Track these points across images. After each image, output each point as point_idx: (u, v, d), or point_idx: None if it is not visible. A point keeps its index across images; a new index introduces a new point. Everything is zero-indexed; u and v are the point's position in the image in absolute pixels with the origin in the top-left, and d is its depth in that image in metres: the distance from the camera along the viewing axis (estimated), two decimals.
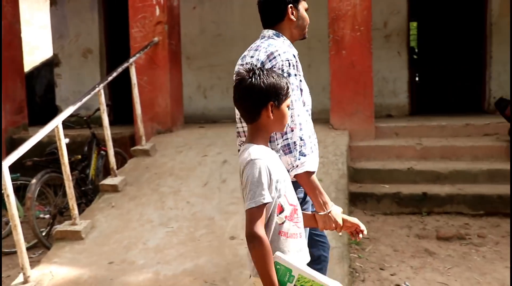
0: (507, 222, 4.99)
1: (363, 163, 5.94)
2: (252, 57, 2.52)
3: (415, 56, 10.75)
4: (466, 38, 9.79)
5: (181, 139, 6.45)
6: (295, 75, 2.44)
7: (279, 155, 2.30)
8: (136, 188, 5.26)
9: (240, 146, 2.60)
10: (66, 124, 5.20)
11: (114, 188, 5.20)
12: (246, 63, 2.52)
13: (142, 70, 6.64)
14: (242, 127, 2.61)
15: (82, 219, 4.65)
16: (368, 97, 6.26)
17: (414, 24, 12.14)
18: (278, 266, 1.97)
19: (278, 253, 1.99)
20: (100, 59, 9.03)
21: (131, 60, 5.99)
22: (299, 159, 2.34)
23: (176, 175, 5.43)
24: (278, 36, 2.59)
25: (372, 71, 6.29)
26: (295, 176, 2.35)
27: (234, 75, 2.20)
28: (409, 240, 4.72)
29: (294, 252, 2.07)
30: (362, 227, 2.39)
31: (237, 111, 2.51)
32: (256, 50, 2.53)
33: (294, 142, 2.35)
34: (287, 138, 2.34)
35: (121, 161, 6.21)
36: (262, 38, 2.61)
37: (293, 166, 2.34)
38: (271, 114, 2.08)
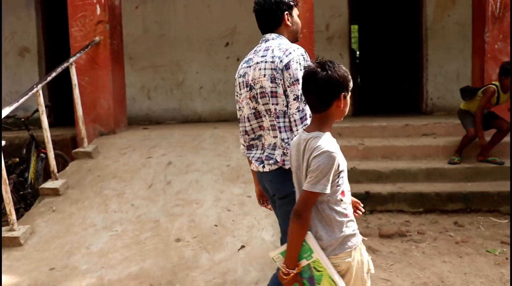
0: (444, 219, 5.20)
1: None
2: (263, 56, 2.68)
3: (357, 60, 11.03)
4: (404, 41, 10.14)
5: (125, 140, 6.34)
6: None
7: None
8: (79, 191, 5.12)
9: (249, 142, 2.83)
10: (3, 126, 5.00)
11: (55, 192, 5.05)
12: (257, 63, 2.68)
13: (83, 70, 6.48)
14: (251, 125, 2.79)
15: (21, 225, 4.48)
16: None
17: (355, 27, 12.47)
18: (304, 244, 2.21)
19: (310, 234, 2.20)
20: (39, 58, 8.71)
21: (71, 60, 5.83)
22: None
23: (120, 178, 5.33)
24: (281, 38, 2.78)
25: None
26: None
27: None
28: None
29: (356, 232, 2.28)
30: (361, 205, 2.61)
31: (245, 110, 2.77)
32: (266, 50, 2.70)
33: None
34: (307, 124, 2.53)
35: (63, 164, 6.02)
36: (266, 41, 2.78)
37: None
38: (341, 104, 2.24)
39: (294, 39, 2.86)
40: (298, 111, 2.58)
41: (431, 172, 5.71)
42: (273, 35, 2.79)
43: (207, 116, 8.63)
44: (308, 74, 2.25)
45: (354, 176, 5.68)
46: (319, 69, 2.21)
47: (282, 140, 2.62)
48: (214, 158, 5.64)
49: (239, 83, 2.81)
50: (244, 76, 2.78)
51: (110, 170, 5.50)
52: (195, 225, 4.42)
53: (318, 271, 2.21)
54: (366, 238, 4.80)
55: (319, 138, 2.20)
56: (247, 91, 2.75)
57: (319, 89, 2.21)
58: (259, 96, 2.68)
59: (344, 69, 2.25)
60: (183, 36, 8.63)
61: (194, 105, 8.71)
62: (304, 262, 2.23)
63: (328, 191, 2.14)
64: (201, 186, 5.06)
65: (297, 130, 2.55)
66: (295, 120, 2.58)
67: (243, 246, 4.08)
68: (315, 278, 2.23)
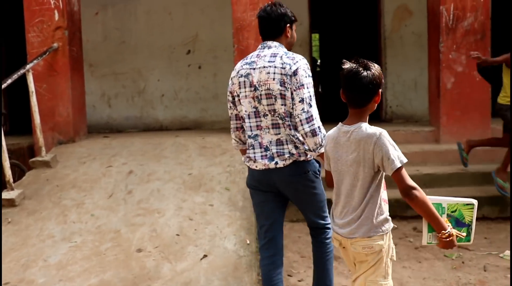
0: (404, 225, 5.30)
1: None
2: (271, 62, 3.02)
3: (318, 69, 11.17)
4: (364, 50, 10.34)
5: (84, 149, 6.22)
6: (310, 76, 3.04)
7: (305, 138, 2.96)
8: (36, 201, 4.99)
9: (246, 139, 3.15)
10: None
11: (10, 203, 4.90)
12: (264, 67, 3.01)
13: (41, 77, 6.34)
14: (249, 123, 3.10)
15: None
16: None
17: (316, 36, 12.63)
18: (434, 205, 2.43)
19: (432, 197, 2.45)
20: None
21: (28, 66, 5.70)
22: (323, 140, 2.92)
23: (79, 187, 5.22)
24: (282, 47, 3.13)
25: None
26: (320, 153, 2.97)
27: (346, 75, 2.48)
28: None
29: (389, 218, 2.49)
30: None
31: (246, 108, 3.07)
32: (274, 56, 3.04)
33: (318, 127, 2.97)
34: (313, 125, 2.94)
35: (19, 174, 5.87)
36: (269, 48, 3.11)
37: (320, 145, 2.95)
38: (379, 99, 2.50)
39: (288, 50, 3.17)
40: (303, 112, 2.94)
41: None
42: (275, 43, 3.12)
43: (169, 124, 8.57)
44: (352, 74, 2.43)
45: None
46: (361, 69, 2.43)
47: (293, 136, 3.02)
48: (175, 167, 5.59)
49: (239, 82, 3.09)
50: (247, 76, 3.07)
51: (69, 179, 5.39)
52: (156, 234, 4.37)
53: (453, 212, 2.50)
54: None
55: (365, 127, 2.44)
56: (251, 90, 3.05)
57: (364, 88, 2.43)
58: (263, 97, 3.02)
59: (378, 67, 2.51)
60: (145, 43, 8.55)
61: (155, 113, 8.64)
62: (444, 217, 2.47)
63: (404, 158, 2.39)
64: (163, 195, 5.01)
65: (303, 129, 2.94)
66: (300, 120, 2.94)
67: (205, 256, 4.06)
68: (458, 218, 2.51)
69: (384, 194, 2.50)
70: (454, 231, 2.43)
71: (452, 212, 2.50)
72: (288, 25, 3.15)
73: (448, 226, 2.41)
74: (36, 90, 5.80)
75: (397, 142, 2.36)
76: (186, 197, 4.97)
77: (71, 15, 6.58)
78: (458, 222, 2.50)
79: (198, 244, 4.23)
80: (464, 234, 2.49)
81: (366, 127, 2.44)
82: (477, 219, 5.35)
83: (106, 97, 8.63)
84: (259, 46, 3.15)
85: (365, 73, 2.41)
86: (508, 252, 4.52)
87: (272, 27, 3.13)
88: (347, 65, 2.47)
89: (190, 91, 8.61)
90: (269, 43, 3.13)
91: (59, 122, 6.46)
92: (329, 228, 3.24)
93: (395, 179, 2.38)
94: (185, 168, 5.57)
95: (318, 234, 3.29)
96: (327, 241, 3.27)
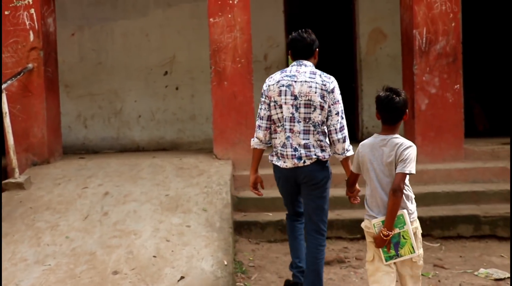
0: None
1: (247, 192, 6.03)
2: (312, 78, 3.72)
3: None
4: (340, 72, 10.47)
5: (60, 170, 6.14)
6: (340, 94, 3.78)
7: (336, 143, 3.75)
8: (8, 224, 4.88)
9: (291, 138, 3.73)
10: None
11: None
12: (306, 81, 3.70)
13: (15, 98, 6.26)
14: (299, 126, 3.71)
15: None
16: (250, 127, 6.41)
17: None
18: (400, 217, 3.14)
19: (405, 211, 3.17)
20: None
21: (2, 87, 5.63)
22: (349, 146, 3.79)
23: (54, 209, 5.14)
24: (313, 67, 3.83)
25: (254, 102, 6.48)
26: (345, 157, 3.80)
27: (381, 98, 3.28)
28: None
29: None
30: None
31: (284, 113, 3.73)
32: (313, 73, 3.75)
33: (347, 136, 3.76)
34: (343, 133, 3.74)
35: None
36: (306, 66, 3.80)
37: (347, 150, 3.77)
38: (406, 117, 3.29)
39: None
40: (338, 122, 3.70)
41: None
42: (309, 63, 3.83)
43: (146, 145, 8.52)
44: (387, 100, 3.23)
45: None
46: (394, 95, 3.21)
47: (321, 141, 3.73)
48: (152, 188, 5.55)
49: (280, 90, 3.73)
50: (289, 86, 3.72)
51: (43, 201, 5.30)
52: (133, 256, 4.31)
53: (405, 238, 3.14)
54: None
55: (398, 138, 3.23)
56: (292, 99, 3.70)
57: (397, 110, 3.23)
58: (302, 105, 3.69)
59: (405, 93, 3.31)
60: (121, 64, 8.54)
61: (132, 134, 8.59)
62: (396, 230, 3.14)
63: (414, 171, 3.13)
64: (139, 217, 4.96)
65: (336, 135, 3.71)
66: (335, 129, 3.71)
67: (182, 277, 4.02)
68: (400, 244, 3.15)
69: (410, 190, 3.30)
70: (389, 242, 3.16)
71: (403, 237, 3.16)
72: (317, 49, 3.87)
73: (392, 232, 3.12)
74: (10, 111, 5.73)
75: None
76: (163, 218, 4.92)
77: (47, 35, 6.55)
78: (396, 246, 3.17)
79: (175, 265, 4.18)
80: (392, 251, 3.18)
81: (401, 138, 3.23)
82: (451, 237, 5.44)
83: (82, 118, 8.55)
84: (295, 63, 3.84)
85: (397, 99, 3.20)
86: (483, 270, 4.58)
87: (306, 49, 3.82)
88: (382, 92, 3.25)
89: (167, 112, 8.59)
90: (304, 61, 3.81)
91: (33, 143, 6.36)
92: (324, 236, 3.87)
93: (397, 176, 3.14)
94: (162, 189, 5.53)
95: (317, 240, 3.81)
96: (322, 248, 3.81)
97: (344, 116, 3.75)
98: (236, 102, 6.40)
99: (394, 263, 3.21)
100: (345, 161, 3.81)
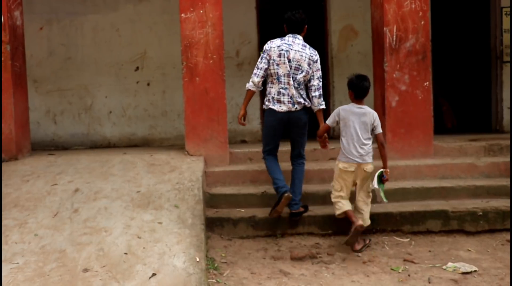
0: None
1: (219, 188, 6.05)
2: (303, 49, 5.22)
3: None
4: None
5: (28, 167, 6.02)
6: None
7: (314, 98, 5.27)
8: None
9: (288, 89, 5.24)
10: None
11: None
12: (298, 51, 5.20)
13: None
14: (291, 81, 5.23)
15: None
16: (222, 123, 6.41)
17: None
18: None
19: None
20: None
21: None
22: (323, 101, 5.34)
23: (22, 206, 5.03)
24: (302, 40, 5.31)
25: (226, 98, 6.46)
26: (319, 109, 5.32)
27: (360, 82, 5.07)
28: (265, 262, 4.88)
29: None
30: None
31: (291, 74, 5.21)
32: (304, 46, 5.26)
33: (321, 94, 5.29)
34: (320, 91, 5.26)
35: None
36: (298, 39, 5.28)
37: (321, 104, 5.29)
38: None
39: None
40: (317, 84, 5.26)
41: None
42: (300, 36, 5.28)
43: (117, 141, 8.43)
44: (362, 80, 5.03)
45: (265, 200, 5.73)
46: (363, 79, 5.03)
47: (303, 94, 5.27)
48: (123, 184, 5.49)
49: (280, 53, 5.15)
50: (287, 51, 5.15)
51: (11, 198, 5.19)
52: (104, 253, 4.26)
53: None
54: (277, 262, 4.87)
55: (366, 108, 5.05)
56: (286, 61, 5.15)
57: (367, 87, 5.03)
58: (293, 68, 5.16)
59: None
60: (91, 59, 8.42)
61: (103, 130, 8.48)
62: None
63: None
64: (110, 213, 4.90)
65: (315, 93, 5.25)
66: (315, 88, 5.25)
67: (154, 274, 3.99)
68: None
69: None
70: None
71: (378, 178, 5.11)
72: (306, 26, 5.29)
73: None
74: None
75: None
76: (134, 215, 4.88)
77: (14, 29, 6.41)
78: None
79: (146, 262, 4.15)
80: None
81: (369, 107, 5.06)
82: (421, 232, 5.56)
83: (52, 113, 8.41)
84: (290, 35, 5.27)
85: (367, 81, 5.04)
86: (451, 264, 4.68)
87: (299, 25, 5.26)
88: (354, 78, 5.03)
89: (139, 108, 8.52)
90: (297, 35, 5.26)
91: (0, 139, 6.23)
92: (304, 157, 5.52)
93: (380, 135, 5.04)
94: (133, 185, 5.48)
95: (300, 160, 5.48)
96: (303, 164, 5.51)
97: (321, 79, 5.26)
98: (208, 98, 6.38)
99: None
100: (319, 112, 5.31)
